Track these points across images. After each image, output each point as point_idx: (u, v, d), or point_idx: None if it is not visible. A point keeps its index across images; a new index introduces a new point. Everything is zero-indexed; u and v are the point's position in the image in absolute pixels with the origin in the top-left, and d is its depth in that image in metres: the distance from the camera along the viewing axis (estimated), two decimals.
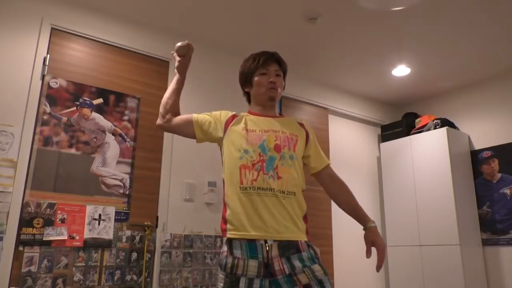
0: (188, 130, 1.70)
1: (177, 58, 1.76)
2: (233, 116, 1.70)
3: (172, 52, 1.76)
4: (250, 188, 1.53)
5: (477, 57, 3.60)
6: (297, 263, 1.48)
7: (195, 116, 1.71)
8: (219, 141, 1.70)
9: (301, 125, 1.78)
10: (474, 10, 2.91)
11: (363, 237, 1.63)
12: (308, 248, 1.54)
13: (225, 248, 1.54)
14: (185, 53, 1.73)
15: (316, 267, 1.50)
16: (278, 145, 1.61)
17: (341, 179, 1.78)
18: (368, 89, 4.29)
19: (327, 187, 1.77)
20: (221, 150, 1.71)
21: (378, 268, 1.58)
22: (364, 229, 1.65)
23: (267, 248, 1.48)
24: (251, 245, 1.49)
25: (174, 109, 1.72)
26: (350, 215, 1.72)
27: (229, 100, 3.27)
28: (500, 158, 3.81)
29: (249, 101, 1.82)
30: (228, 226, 1.55)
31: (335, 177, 1.78)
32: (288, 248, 1.50)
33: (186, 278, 2.83)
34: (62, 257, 2.46)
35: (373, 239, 1.61)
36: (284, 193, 1.55)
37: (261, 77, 1.71)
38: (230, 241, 1.53)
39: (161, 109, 1.72)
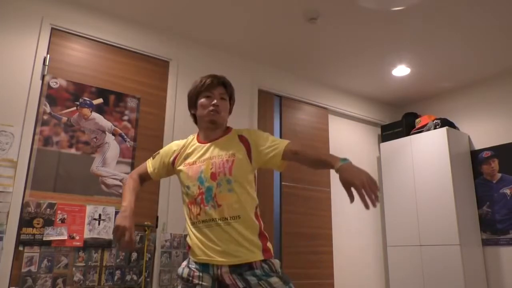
0: (146, 176, 1.82)
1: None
2: (175, 157, 1.74)
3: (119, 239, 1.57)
4: (196, 222, 1.60)
5: (477, 57, 3.60)
6: (251, 278, 1.50)
7: (148, 163, 1.81)
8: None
9: (241, 137, 1.70)
10: (474, 10, 2.90)
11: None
12: (262, 265, 1.53)
13: (184, 262, 1.66)
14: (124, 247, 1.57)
15: (273, 280, 1.50)
16: (214, 173, 1.60)
17: (301, 150, 1.61)
18: (368, 89, 4.29)
19: (299, 162, 1.65)
20: None
21: (366, 206, 1.34)
22: (336, 172, 1.45)
23: (217, 267, 1.54)
24: (204, 264, 1.57)
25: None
26: (320, 167, 1.62)
27: None
28: (500, 158, 3.81)
29: (196, 123, 1.81)
30: (190, 251, 1.64)
31: (298, 153, 1.61)
32: (239, 266, 1.52)
33: None
34: (62, 257, 2.46)
35: (346, 178, 1.38)
36: (226, 219, 1.55)
37: (205, 99, 1.70)
38: (188, 258, 1.65)
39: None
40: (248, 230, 1.56)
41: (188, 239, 1.66)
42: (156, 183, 2.91)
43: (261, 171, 3.30)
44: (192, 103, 1.76)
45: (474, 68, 3.82)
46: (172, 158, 1.74)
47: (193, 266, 1.59)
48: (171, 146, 1.79)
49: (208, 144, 1.70)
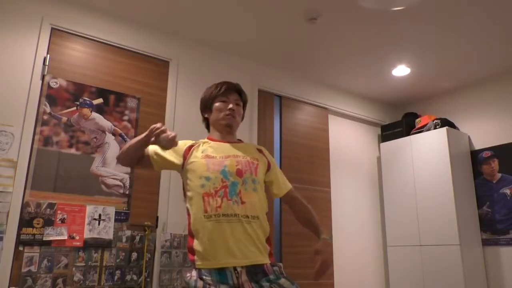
0: (144, 160, 1.69)
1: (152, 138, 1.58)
2: (190, 146, 1.71)
3: (158, 132, 1.55)
4: (215, 215, 1.53)
5: (477, 57, 3.60)
6: (265, 283, 1.50)
7: (153, 147, 1.69)
8: (179, 169, 1.71)
9: (260, 151, 1.81)
10: (474, 10, 2.91)
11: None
12: (274, 268, 1.57)
13: (193, 273, 1.53)
14: (166, 146, 1.57)
15: (282, 281, 1.54)
16: (240, 170, 1.62)
17: (301, 199, 1.84)
18: (368, 89, 4.29)
19: (290, 208, 1.86)
20: (182, 180, 1.72)
21: (314, 276, 1.62)
22: (319, 239, 1.72)
23: (237, 274, 1.49)
24: (221, 272, 1.49)
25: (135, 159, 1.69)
26: (308, 229, 1.80)
27: None
28: (500, 158, 3.81)
29: (208, 127, 1.85)
30: (196, 257, 1.54)
31: (296, 199, 1.84)
32: (256, 273, 1.52)
33: None
34: (62, 257, 2.46)
35: (321, 249, 1.66)
36: (248, 217, 1.56)
37: (221, 103, 1.75)
38: (198, 269, 1.52)
39: (124, 155, 1.68)
40: (262, 232, 1.60)
41: (195, 243, 1.55)
42: (156, 183, 2.91)
43: None
44: (207, 107, 1.80)
45: (474, 68, 3.82)
46: (185, 148, 1.70)
47: (208, 278, 1.48)
48: (184, 142, 1.74)
49: (228, 143, 1.73)
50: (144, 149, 1.67)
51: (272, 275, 1.53)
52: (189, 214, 1.62)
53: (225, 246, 1.50)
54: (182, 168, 1.68)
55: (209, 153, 1.66)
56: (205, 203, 1.55)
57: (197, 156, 1.66)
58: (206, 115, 1.82)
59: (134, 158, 1.68)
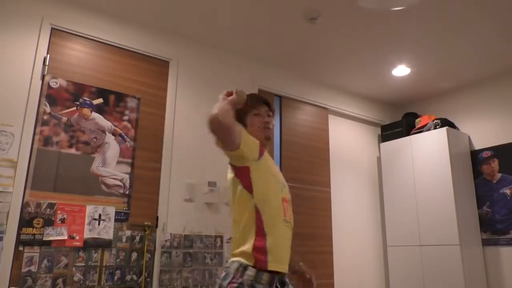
0: (237, 135, 1.53)
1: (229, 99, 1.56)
2: (262, 145, 1.67)
3: (237, 91, 1.59)
4: (287, 221, 1.61)
5: (477, 57, 3.60)
6: None
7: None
8: (253, 159, 1.59)
9: None
10: (474, 10, 2.91)
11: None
12: (286, 275, 1.66)
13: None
14: (240, 101, 1.59)
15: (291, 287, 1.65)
16: (288, 190, 1.74)
17: None
18: (368, 89, 4.29)
19: None
20: (249, 172, 1.59)
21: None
22: (297, 267, 1.82)
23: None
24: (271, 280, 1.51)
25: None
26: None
27: None
28: (500, 158, 3.81)
29: None
30: (270, 257, 1.49)
31: None
32: (283, 284, 1.59)
33: (186, 278, 2.83)
34: (62, 257, 2.46)
35: (309, 272, 1.81)
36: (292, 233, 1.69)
37: (254, 117, 1.74)
38: (252, 286, 1.45)
39: (226, 114, 1.49)
40: None
41: (269, 243, 1.50)
42: (156, 183, 2.91)
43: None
44: (241, 122, 1.71)
45: (474, 68, 3.82)
46: (259, 146, 1.64)
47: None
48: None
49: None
50: None
51: (288, 280, 1.63)
52: (258, 212, 1.54)
53: (288, 253, 1.60)
54: (256, 159, 1.58)
55: (271, 163, 1.70)
56: (284, 208, 1.60)
57: (269, 158, 1.66)
58: None
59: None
